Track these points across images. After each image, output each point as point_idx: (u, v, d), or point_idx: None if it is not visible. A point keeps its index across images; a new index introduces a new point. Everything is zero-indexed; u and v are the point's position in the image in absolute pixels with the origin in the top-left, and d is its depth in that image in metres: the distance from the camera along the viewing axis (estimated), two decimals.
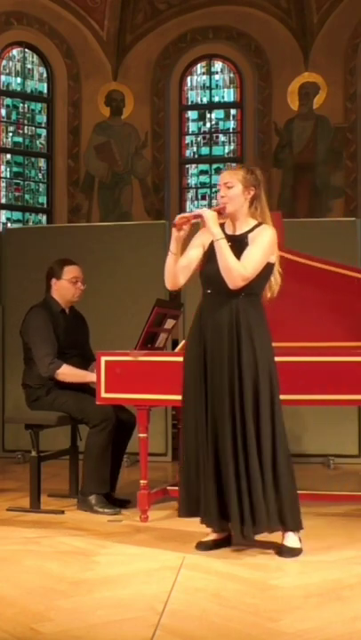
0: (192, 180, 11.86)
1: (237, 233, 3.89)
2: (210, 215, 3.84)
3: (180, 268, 3.92)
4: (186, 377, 3.95)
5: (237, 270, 3.77)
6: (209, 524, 3.84)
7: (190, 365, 3.92)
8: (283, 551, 3.73)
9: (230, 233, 3.89)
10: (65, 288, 5.10)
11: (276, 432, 3.76)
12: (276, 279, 3.92)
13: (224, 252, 3.79)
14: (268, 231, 3.86)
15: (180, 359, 4.49)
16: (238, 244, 3.83)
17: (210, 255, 3.89)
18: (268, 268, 3.87)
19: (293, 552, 3.73)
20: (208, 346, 3.85)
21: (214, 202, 11.76)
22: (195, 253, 3.94)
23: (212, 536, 3.91)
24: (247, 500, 3.67)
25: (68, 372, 4.93)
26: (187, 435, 3.91)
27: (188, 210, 11.69)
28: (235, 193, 3.86)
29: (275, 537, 3.81)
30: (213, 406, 3.81)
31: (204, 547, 3.86)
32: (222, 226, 3.89)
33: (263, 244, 3.83)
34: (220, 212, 3.89)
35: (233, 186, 3.86)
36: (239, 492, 3.69)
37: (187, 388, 3.94)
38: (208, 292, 3.92)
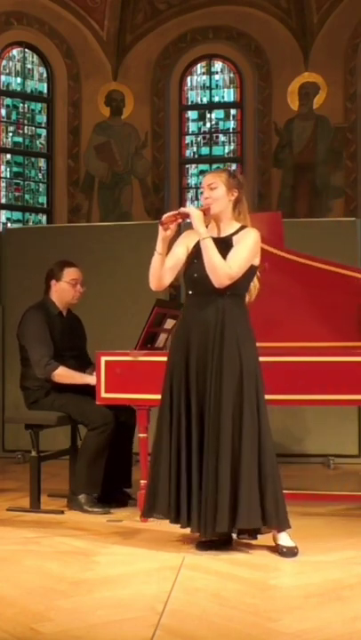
0: (192, 180, 11.85)
1: (222, 235, 3.93)
2: (196, 214, 3.89)
3: (166, 268, 3.99)
4: (167, 377, 3.94)
5: (223, 269, 3.80)
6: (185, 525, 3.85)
7: (174, 367, 3.92)
8: (282, 552, 3.73)
9: (215, 236, 3.92)
10: (64, 290, 5.10)
11: (261, 432, 3.77)
12: (255, 284, 3.96)
13: (210, 250, 3.82)
14: (253, 233, 3.91)
15: None
16: (224, 246, 3.86)
17: (194, 256, 3.93)
18: (251, 270, 3.91)
19: (292, 550, 3.73)
20: (193, 346, 3.86)
21: None
22: (180, 253, 3.99)
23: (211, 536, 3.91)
24: (225, 496, 3.67)
25: (64, 374, 4.93)
26: (161, 431, 3.90)
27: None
28: (218, 194, 3.91)
29: (268, 540, 3.81)
30: (197, 405, 3.81)
31: (203, 546, 3.86)
32: (207, 228, 3.91)
33: (249, 245, 3.87)
34: (205, 213, 3.92)
35: (217, 187, 3.91)
36: (217, 488, 3.69)
37: (167, 387, 3.93)
38: (190, 292, 3.97)
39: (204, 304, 3.88)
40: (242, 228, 3.93)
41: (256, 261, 3.93)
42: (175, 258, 4.00)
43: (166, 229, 3.95)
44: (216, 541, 3.87)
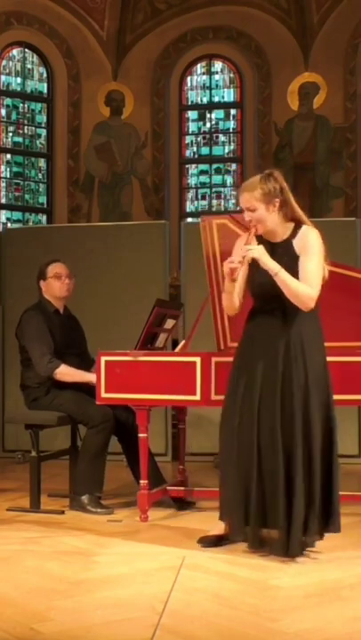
0: (192, 180, 11.86)
1: (279, 240, 3.80)
2: (260, 252, 3.71)
3: (235, 294, 3.84)
4: (234, 380, 3.84)
5: (306, 294, 3.68)
6: (238, 531, 3.77)
7: (243, 371, 3.82)
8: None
9: (273, 241, 3.80)
10: (51, 285, 5.16)
11: (332, 437, 3.78)
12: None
13: (287, 282, 3.67)
14: (313, 234, 3.75)
15: (179, 359, 4.51)
16: (285, 250, 3.74)
17: (255, 266, 3.77)
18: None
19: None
20: (260, 353, 3.76)
21: (214, 202, 11.77)
22: (243, 272, 3.82)
23: (215, 531, 3.91)
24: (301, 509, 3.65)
25: (66, 372, 4.94)
26: (226, 434, 3.81)
27: (187, 210, 11.69)
28: (260, 215, 3.74)
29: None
30: (265, 414, 3.72)
31: (206, 542, 3.87)
32: (262, 237, 3.80)
33: (315, 252, 3.73)
34: (256, 235, 3.78)
35: (256, 209, 3.73)
36: (290, 494, 3.66)
37: (235, 391, 3.82)
38: (256, 299, 3.84)
39: (270, 309, 3.77)
40: (297, 226, 3.78)
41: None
42: (241, 279, 3.84)
43: (235, 280, 3.78)
44: (219, 537, 3.87)
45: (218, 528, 3.92)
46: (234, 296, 3.84)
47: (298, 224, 3.80)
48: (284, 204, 3.77)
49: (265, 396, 3.73)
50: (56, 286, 5.15)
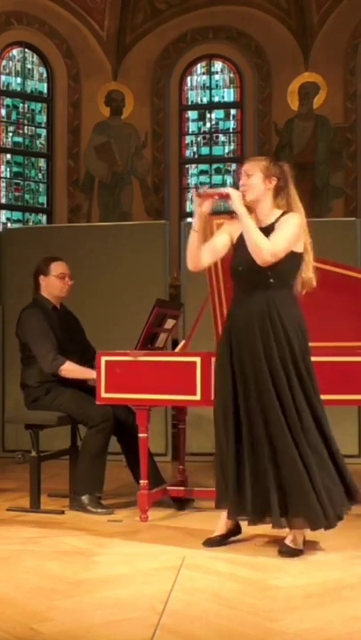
0: (192, 180, 11.85)
1: (263, 225, 3.84)
2: (236, 194, 3.79)
3: (204, 249, 3.88)
4: (217, 375, 3.92)
5: (265, 246, 3.72)
6: (237, 514, 3.83)
7: (221, 361, 3.89)
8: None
9: (259, 225, 3.83)
10: (53, 284, 5.13)
11: (320, 418, 3.78)
12: (308, 275, 3.86)
13: (251, 229, 3.75)
14: (295, 216, 3.82)
15: (179, 359, 4.51)
16: (266, 234, 3.78)
17: (238, 247, 3.85)
18: (295, 258, 3.82)
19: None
20: (235, 338, 3.81)
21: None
22: (222, 238, 3.91)
23: (218, 532, 3.92)
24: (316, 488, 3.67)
25: (71, 369, 4.94)
26: (217, 427, 3.87)
27: (187, 210, 11.69)
28: (254, 182, 3.83)
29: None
30: (246, 400, 3.78)
31: (211, 543, 3.87)
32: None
33: (290, 225, 3.79)
34: (243, 200, 3.82)
35: (253, 174, 3.83)
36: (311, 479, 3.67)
37: (217, 384, 3.91)
38: (237, 286, 3.89)
39: (250, 297, 3.81)
40: (284, 214, 3.85)
41: (299, 247, 3.83)
42: (215, 241, 3.91)
43: (201, 203, 3.83)
44: (222, 536, 3.89)
45: (220, 528, 3.93)
46: (199, 250, 3.87)
47: (285, 213, 3.86)
48: (281, 192, 3.86)
49: (246, 378, 3.78)
50: (58, 286, 5.13)
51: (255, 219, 3.85)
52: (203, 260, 3.92)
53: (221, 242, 3.92)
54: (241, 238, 3.85)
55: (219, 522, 3.95)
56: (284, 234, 3.77)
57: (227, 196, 3.82)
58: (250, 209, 3.84)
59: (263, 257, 3.73)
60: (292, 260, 3.81)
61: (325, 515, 3.67)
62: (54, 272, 5.11)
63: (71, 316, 5.32)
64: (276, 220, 3.84)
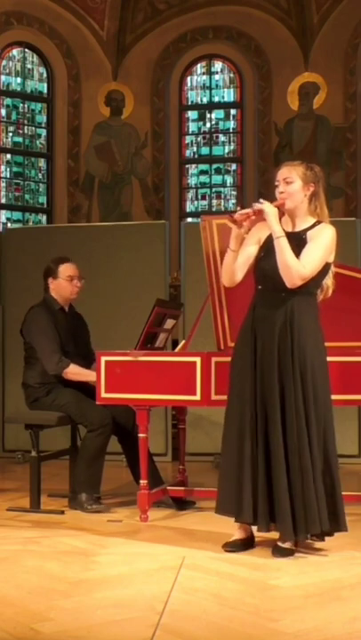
0: (192, 180, 11.85)
1: (296, 230, 3.82)
2: (272, 211, 3.75)
3: (238, 264, 3.86)
4: (233, 373, 3.89)
5: (296, 269, 3.70)
6: (246, 521, 3.79)
7: (239, 361, 3.86)
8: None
9: (289, 230, 3.81)
10: (62, 286, 5.12)
11: (326, 433, 3.76)
12: (327, 282, 3.87)
13: (284, 250, 3.71)
14: (329, 230, 3.80)
15: (179, 359, 4.51)
16: (297, 242, 3.76)
17: (266, 250, 3.82)
18: (325, 268, 3.82)
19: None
20: (259, 342, 3.79)
21: (214, 202, 11.77)
22: (252, 250, 3.87)
23: (237, 536, 3.87)
24: (300, 499, 3.66)
25: (75, 372, 4.94)
26: (229, 432, 3.85)
27: (187, 210, 11.70)
28: (294, 189, 3.79)
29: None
30: (263, 404, 3.76)
31: (231, 546, 3.82)
32: (280, 222, 3.81)
33: (324, 243, 3.77)
34: (279, 208, 3.80)
35: (293, 181, 3.79)
36: (290, 490, 3.67)
37: (233, 385, 3.87)
38: (260, 287, 3.86)
39: (273, 301, 3.79)
40: (317, 223, 3.82)
41: (331, 258, 3.82)
42: (247, 253, 3.87)
43: (240, 227, 3.80)
44: (243, 540, 3.85)
45: (239, 532, 3.89)
46: (234, 266, 3.86)
47: (319, 222, 3.84)
48: (316, 197, 3.83)
49: (265, 384, 3.76)
50: (67, 288, 5.12)
51: (290, 223, 3.83)
52: (237, 276, 3.90)
53: (253, 253, 3.88)
54: (269, 241, 3.81)
55: (236, 526, 3.89)
56: (316, 254, 3.74)
57: (261, 213, 3.76)
58: (279, 211, 3.80)
59: (293, 281, 3.72)
60: (323, 269, 3.82)
61: (296, 530, 3.68)
62: (62, 275, 5.10)
63: (79, 319, 5.30)
64: (310, 228, 3.81)
